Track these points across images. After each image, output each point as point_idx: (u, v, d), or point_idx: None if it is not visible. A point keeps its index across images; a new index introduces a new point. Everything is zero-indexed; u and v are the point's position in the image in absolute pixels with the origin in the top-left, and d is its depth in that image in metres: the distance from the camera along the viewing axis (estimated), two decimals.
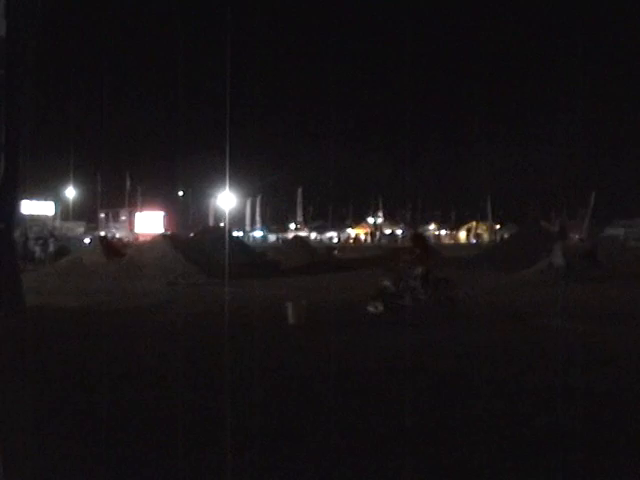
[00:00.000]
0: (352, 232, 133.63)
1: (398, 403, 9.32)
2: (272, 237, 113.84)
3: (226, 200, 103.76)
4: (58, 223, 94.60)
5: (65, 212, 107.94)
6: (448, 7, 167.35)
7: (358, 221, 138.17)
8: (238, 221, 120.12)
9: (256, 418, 8.58)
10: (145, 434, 8.06)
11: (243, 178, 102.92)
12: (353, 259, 47.52)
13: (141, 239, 63.54)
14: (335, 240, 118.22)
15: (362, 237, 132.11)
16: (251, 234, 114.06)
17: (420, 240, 22.28)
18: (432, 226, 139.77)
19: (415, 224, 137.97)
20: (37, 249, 47.34)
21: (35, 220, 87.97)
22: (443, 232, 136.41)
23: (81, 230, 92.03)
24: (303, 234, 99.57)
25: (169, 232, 63.65)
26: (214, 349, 13.38)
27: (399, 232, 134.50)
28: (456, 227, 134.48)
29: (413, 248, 21.25)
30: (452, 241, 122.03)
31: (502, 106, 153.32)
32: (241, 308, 20.77)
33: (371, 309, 19.80)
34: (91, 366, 11.91)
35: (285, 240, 78.12)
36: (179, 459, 7.20)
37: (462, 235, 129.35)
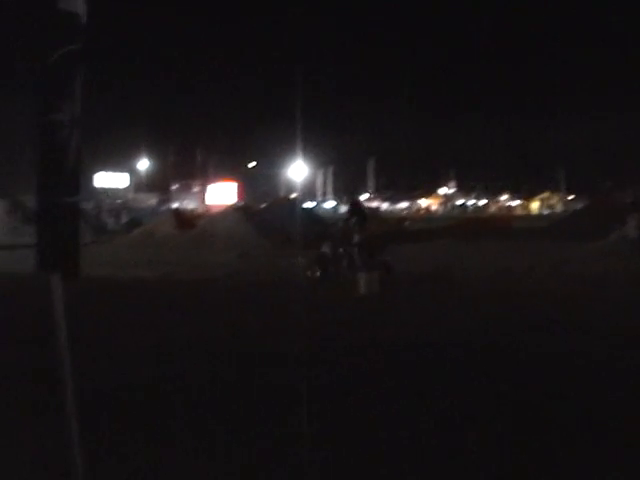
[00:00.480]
0: (423, 202, 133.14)
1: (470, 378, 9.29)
2: (344, 208, 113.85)
3: (297, 171, 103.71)
4: (131, 195, 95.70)
5: (138, 184, 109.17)
6: None
7: (430, 191, 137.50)
8: (309, 192, 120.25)
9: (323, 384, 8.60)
10: (222, 403, 8.11)
11: (314, 148, 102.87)
12: (424, 230, 47.12)
13: (213, 210, 63.90)
14: (406, 211, 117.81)
15: (434, 207, 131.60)
16: (322, 205, 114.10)
17: (357, 208, 23.24)
18: (504, 197, 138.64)
19: (488, 194, 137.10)
20: (110, 221, 47.98)
21: (108, 192, 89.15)
22: (515, 203, 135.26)
23: (153, 202, 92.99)
24: (374, 205, 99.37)
25: (241, 204, 63.85)
26: (285, 318, 13.42)
27: (470, 202, 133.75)
28: (529, 198, 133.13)
29: (350, 216, 22.51)
30: (525, 212, 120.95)
31: (576, 74, 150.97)
32: (312, 278, 20.83)
33: (308, 274, 20.82)
34: (154, 336, 12.01)
35: None
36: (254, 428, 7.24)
37: (535, 206, 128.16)
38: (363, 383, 9.11)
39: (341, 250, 21.23)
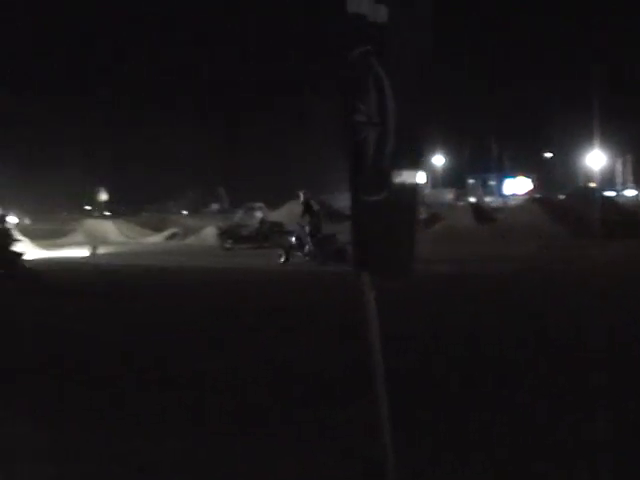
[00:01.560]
0: None
1: None
2: None
3: (595, 159, 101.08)
4: (428, 191, 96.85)
5: (435, 180, 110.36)
6: None
7: None
8: (608, 180, 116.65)
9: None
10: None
11: (613, 136, 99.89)
12: None
13: (511, 203, 63.94)
14: None
15: None
16: (623, 193, 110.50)
17: (308, 205, 28.40)
18: None
19: None
20: None
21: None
22: None
23: (450, 197, 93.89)
24: None
25: (538, 195, 63.40)
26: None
27: None
28: None
29: (303, 213, 28.24)
30: None
31: None
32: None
33: (277, 259, 27.89)
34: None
35: None
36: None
37: None
38: None
39: (302, 240, 27.45)
